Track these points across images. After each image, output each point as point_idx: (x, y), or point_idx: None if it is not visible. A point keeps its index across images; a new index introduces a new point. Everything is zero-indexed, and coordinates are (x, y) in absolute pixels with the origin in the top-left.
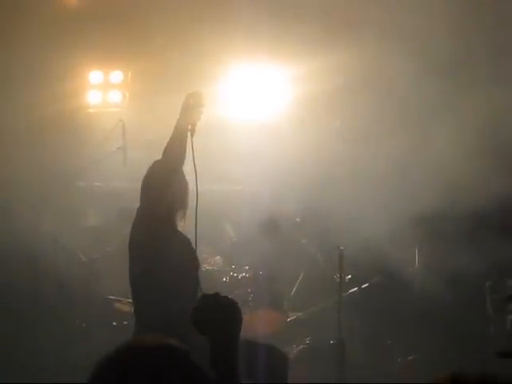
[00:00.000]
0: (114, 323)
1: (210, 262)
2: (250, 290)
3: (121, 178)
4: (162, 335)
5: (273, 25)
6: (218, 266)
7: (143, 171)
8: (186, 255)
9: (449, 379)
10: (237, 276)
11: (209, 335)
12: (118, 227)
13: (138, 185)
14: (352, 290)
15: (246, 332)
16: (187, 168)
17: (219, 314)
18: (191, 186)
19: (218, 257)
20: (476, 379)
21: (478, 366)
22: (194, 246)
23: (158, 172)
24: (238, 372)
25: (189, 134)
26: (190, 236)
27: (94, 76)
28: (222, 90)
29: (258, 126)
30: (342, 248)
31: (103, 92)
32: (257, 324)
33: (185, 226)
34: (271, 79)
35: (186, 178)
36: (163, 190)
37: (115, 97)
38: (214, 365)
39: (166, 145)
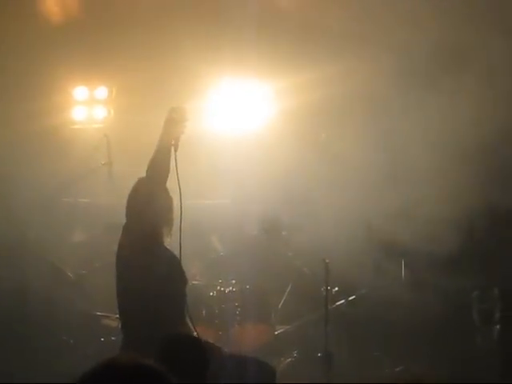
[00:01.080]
0: (102, 339)
1: (197, 276)
2: (237, 304)
3: (107, 193)
4: (140, 355)
5: (257, 39)
6: (204, 281)
7: (129, 186)
8: (173, 271)
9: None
10: (224, 290)
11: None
12: (106, 243)
13: (125, 200)
14: (339, 303)
15: (234, 345)
16: (172, 183)
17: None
18: (176, 201)
19: (207, 269)
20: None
21: (465, 376)
22: (180, 263)
23: (143, 189)
24: None
25: (172, 149)
26: (176, 251)
27: (79, 92)
28: (207, 105)
29: (242, 139)
30: (327, 261)
31: (88, 108)
32: (244, 337)
33: (170, 240)
34: (256, 93)
35: (171, 193)
36: (148, 207)
37: (100, 112)
38: None
39: (149, 160)
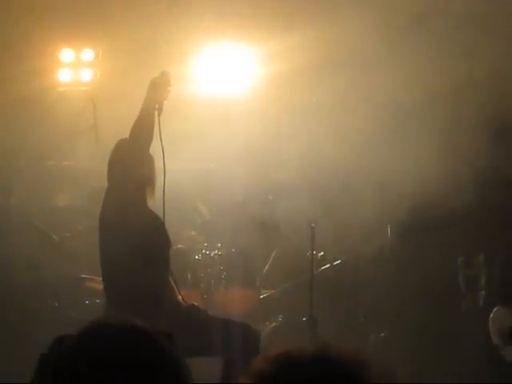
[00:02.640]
0: (87, 302)
1: (183, 239)
2: (222, 268)
3: (92, 156)
4: (127, 316)
5: (245, 2)
6: (190, 245)
7: None
8: (156, 234)
9: (282, 356)
10: (209, 254)
11: None
12: (90, 206)
13: None
14: (324, 267)
15: (219, 309)
16: (156, 147)
17: None
18: (159, 165)
19: (192, 233)
20: (309, 354)
21: (450, 342)
22: (164, 225)
23: (124, 151)
24: None
25: (156, 113)
26: (160, 214)
27: (65, 54)
28: (194, 69)
29: (231, 104)
30: (313, 225)
31: (74, 70)
32: (230, 301)
33: (154, 203)
34: (244, 57)
35: (155, 157)
36: (130, 169)
37: (86, 75)
38: None
39: (133, 123)
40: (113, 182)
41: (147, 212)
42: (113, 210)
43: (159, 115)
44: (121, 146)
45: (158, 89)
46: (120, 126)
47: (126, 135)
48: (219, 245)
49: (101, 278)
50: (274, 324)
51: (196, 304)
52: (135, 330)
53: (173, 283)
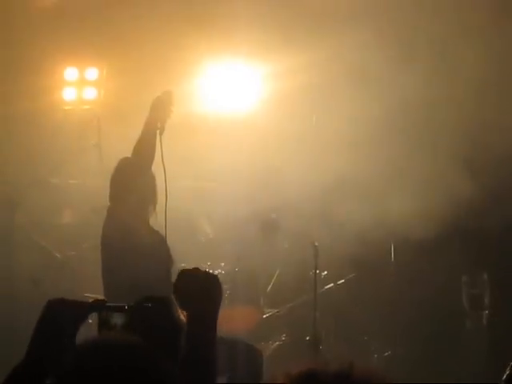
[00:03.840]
0: (90, 321)
1: (186, 258)
2: (225, 287)
3: (96, 174)
4: (124, 333)
5: (249, 22)
6: (193, 263)
7: None
8: (158, 252)
9: (305, 376)
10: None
11: (188, 308)
12: (94, 224)
13: None
14: (328, 287)
15: (221, 328)
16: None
17: (198, 287)
18: (161, 184)
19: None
20: (333, 374)
21: (454, 361)
22: (166, 244)
23: (126, 169)
24: (214, 353)
25: (158, 132)
26: (162, 233)
27: (69, 72)
28: (198, 87)
29: (233, 122)
30: (316, 244)
31: (78, 89)
32: (233, 320)
33: (155, 221)
34: (247, 76)
35: (157, 176)
36: (131, 188)
37: (90, 94)
38: (190, 342)
39: (136, 142)
40: (115, 201)
41: (149, 231)
42: (115, 229)
43: (161, 134)
44: (123, 164)
45: (160, 108)
46: (124, 145)
47: (130, 154)
48: (223, 264)
49: (103, 297)
50: (277, 343)
51: None
52: (133, 346)
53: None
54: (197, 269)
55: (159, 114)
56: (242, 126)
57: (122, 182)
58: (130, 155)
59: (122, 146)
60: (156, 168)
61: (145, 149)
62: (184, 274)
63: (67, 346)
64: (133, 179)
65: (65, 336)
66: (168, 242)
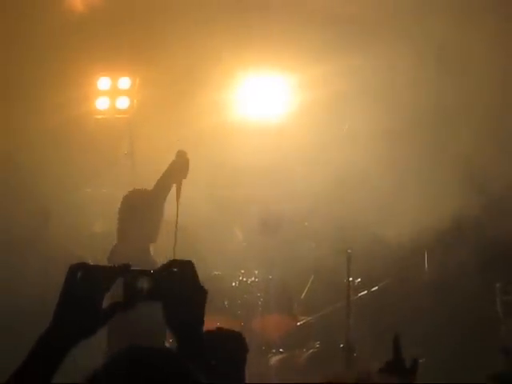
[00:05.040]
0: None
1: (219, 266)
2: (259, 295)
3: (129, 184)
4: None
5: (280, 32)
6: (227, 272)
7: (151, 177)
8: None
9: None
10: (246, 281)
11: None
12: None
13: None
14: (361, 294)
15: (256, 336)
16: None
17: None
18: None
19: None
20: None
21: (488, 368)
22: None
23: (139, 206)
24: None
25: (175, 187)
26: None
27: (102, 82)
28: (231, 96)
29: (266, 131)
30: (349, 251)
31: (111, 98)
32: (267, 328)
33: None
34: (279, 86)
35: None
36: (140, 221)
37: (123, 103)
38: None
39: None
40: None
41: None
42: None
43: (178, 199)
44: (136, 197)
45: (176, 172)
46: (156, 154)
47: (162, 163)
48: (256, 271)
49: None
50: (311, 350)
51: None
52: (166, 357)
53: None
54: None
55: (175, 178)
56: (275, 133)
57: (134, 215)
58: (162, 164)
59: (154, 155)
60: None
61: (157, 203)
62: None
63: (93, 311)
64: (140, 219)
65: (90, 301)
66: (201, 250)
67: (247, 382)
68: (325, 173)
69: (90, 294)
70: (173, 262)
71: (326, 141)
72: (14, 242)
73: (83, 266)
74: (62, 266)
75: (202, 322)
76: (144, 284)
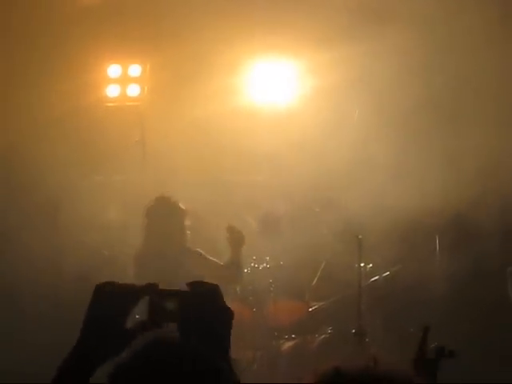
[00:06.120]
0: (137, 316)
1: None
2: (271, 281)
3: (140, 171)
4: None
5: (291, 17)
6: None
7: (162, 164)
8: None
9: (331, 373)
10: (258, 267)
11: None
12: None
13: (158, 177)
14: (373, 279)
15: (268, 322)
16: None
17: None
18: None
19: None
20: (358, 371)
21: (500, 352)
22: None
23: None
24: None
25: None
26: None
27: (113, 70)
28: (241, 81)
29: (275, 116)
30: (360, 237)
31: (122, 86)
32: (279, 314)
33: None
34: (287, 71)
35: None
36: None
37: (134, 90)
38: None
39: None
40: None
41: None
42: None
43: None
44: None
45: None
46: (167, 141)
47: (173, 151)
48: (267, 258)
49: None
50: (323, 336)
51: None
52: (192, 349)
53: None
54: None
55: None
56: (283, 120)
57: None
58: (173, 152)
59: (165, 143)
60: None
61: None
62: None
63: (119, 331)
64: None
65: (116, 321)
66: (213, 236)
67: (261, 367)
68: (334, 158)
69: (115, 313)
70: (199, 284)
71: (334, 126)
72: (23, 233)
73: (109, 286)
74: (76, 256)
75: (228, 343)
76: (169, 305)
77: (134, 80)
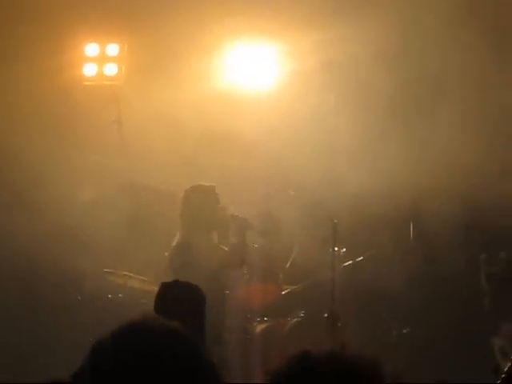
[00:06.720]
0: (110, 295)
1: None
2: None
3: (116, 151)
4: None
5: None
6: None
7: (139, 144)
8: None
9: (299, 356)
10: None
11: None
12: (118, 202)
13: (134, 158)
14: (347, 264)
15: (240, 304)
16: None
17: None
18: None
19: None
20: (325, 355)
21: (471, 338)
22: None
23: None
24: None
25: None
26: None
27: (90, 49)
28: (219, 64)
29: (254, 99)
30: (335, 221)
31: (99, 65)
32: (252, 297)
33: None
34: (267, 54)
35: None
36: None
37: (111, 70)
38: None
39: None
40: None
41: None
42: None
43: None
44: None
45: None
46: (144, 121)
47: (149, 131)
48: None
49: (124, 272)
50: (295, 319)
51: None
52: (172, 332)
53: None
54: None
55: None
56: (262, 102)
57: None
58: (149, 133)
59: (143, 123)
60: None
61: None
62: None
63: None
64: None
65: None
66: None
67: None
68: (312, 142)
69: None
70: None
71: (313, 110)
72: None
73: None
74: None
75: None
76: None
77: (112, 59)
